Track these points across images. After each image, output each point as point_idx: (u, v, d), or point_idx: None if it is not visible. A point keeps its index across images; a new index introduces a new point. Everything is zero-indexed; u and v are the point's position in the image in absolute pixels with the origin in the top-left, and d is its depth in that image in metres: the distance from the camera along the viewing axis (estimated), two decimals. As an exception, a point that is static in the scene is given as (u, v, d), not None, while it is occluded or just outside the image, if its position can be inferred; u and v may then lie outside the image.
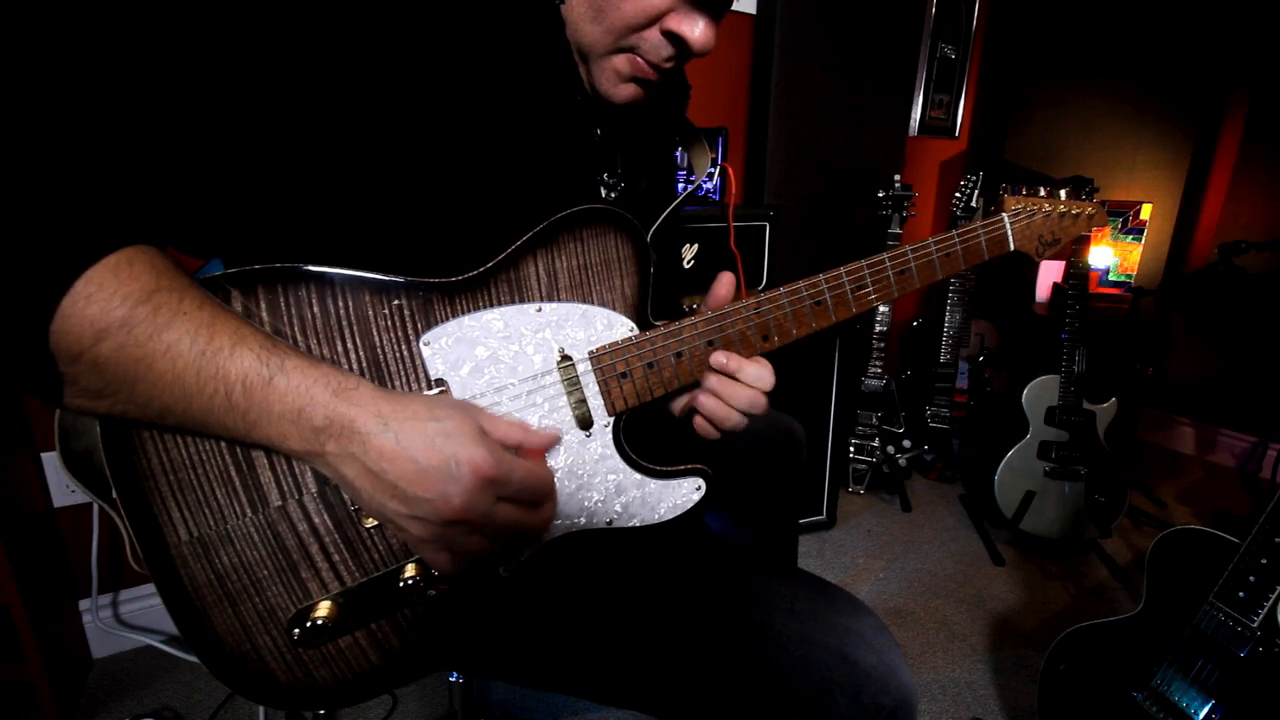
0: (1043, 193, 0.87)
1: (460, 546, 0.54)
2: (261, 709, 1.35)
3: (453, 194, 0.62)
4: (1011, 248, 0.83)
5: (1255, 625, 1.00)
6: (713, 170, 1.87)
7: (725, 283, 0.71)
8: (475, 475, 0.50)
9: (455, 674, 1.04)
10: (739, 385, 0.68)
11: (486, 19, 0.62)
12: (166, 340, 0.45)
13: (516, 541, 0.60)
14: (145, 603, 1.63)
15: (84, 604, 1.55)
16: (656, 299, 0.72)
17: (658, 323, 0.68)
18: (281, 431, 0.49)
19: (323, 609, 0.56)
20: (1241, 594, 1.02)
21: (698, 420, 0.71)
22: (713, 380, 0.68)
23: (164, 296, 0.46)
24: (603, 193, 0.76)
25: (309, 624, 0.55)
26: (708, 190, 1.89)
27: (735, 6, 2.05)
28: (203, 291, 0.49)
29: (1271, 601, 0.99)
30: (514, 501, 0.54)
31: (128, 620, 1.62)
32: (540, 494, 0.56)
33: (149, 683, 1.51)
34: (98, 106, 0.47)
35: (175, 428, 0.51)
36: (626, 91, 0.68)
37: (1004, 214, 0.83)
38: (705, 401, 0.69)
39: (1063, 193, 0.88)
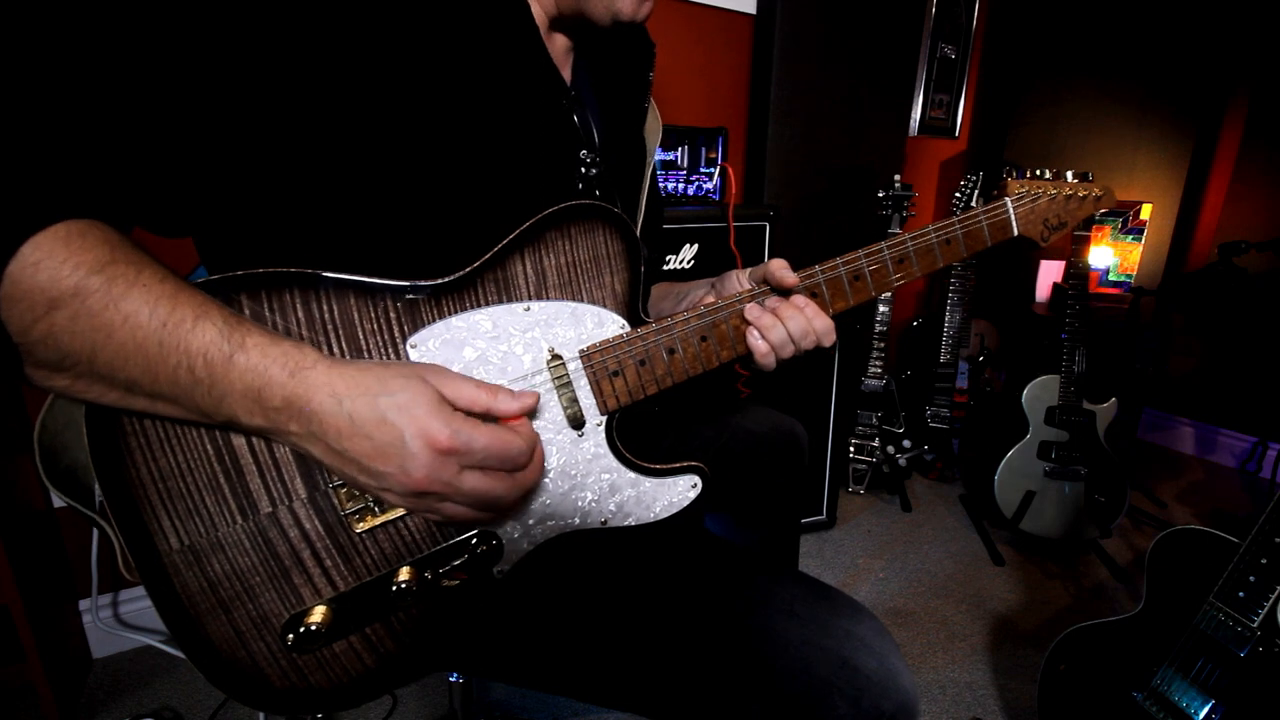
0: (1048, 175, 0.85)
1: (441, 512, 0.54)
2: (261, 712, 1.35)
3: (434, 189, 0.61)
4: (1015, 233, 0.81)
5: (1255, 625, 1.00)
6: (711, 170, 1.87)
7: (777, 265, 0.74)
8: (430, 448, 0.49)
9: (455, 674, 1.04)
10: (799, 313, 0.70)
11: (450, 7, 0.61)
12: (124, 310, 0.45)
13: (500, 508, 0.57)
14: (145, 603, 1.63)
15: (84, 604, 1.55)
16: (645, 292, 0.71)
17: (649, 319, 0.68)
18: (246, 409, 0.49)
19: (316, 614, 0.56)
20: (1241, 594, 1.02)
21: (750, 330, 0.72)
22: (772, 300, 0.71)
23: (120, 269, 0.46)
24: (582, 171, 0.75)
25: (303, 629, 0.55)
26: (707, 190, 1.88)
27: (735, 6, 2.05)
28: (164, 268, 0.49)
29: (1271, 601, 0.99)
30: (483, 469, 0.53)
31: (128, 620, 1.62)
32: (510, 461, 0.54)
33: (149, 683, 1.51)
34: (69, 84, 0.47)
35: (147, 410, 0.50)
36: (647, 8, 0.70)
37: (1007, 198, 0.81)
38: (759, 315, 0.71)
39: (1069, 174, 0.86)
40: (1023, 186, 0.82)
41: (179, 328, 0.46)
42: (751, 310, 0.71)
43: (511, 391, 0.57)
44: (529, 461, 0.57)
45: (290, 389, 0.48)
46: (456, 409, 0.53)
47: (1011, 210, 0.81)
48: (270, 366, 0.48)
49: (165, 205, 0.56)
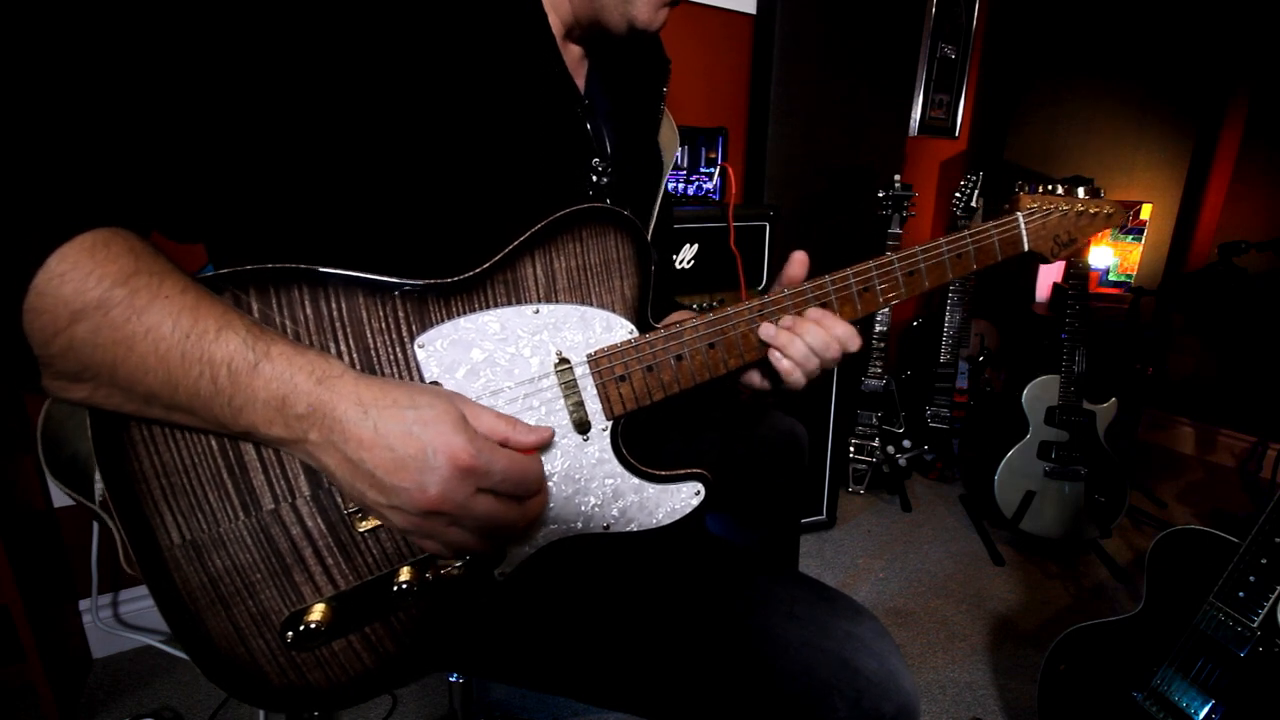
0: (1060, 191, 0.84)
1: (443, 538, 0.53)
2: (262, 711, 1.35)
3: (442, 189, 0.61)
4: (1026, 248, 0.81)
5: (1255, 625, 1.00)
6: (711, 170, 1.87)
7: (798, 262, 0.73)
8: (452, 465, 0.49)
9: (455, 674, 1.04)
10: (815, 325, 0.69)
11: (466, 10, 0.61)
12: (146, 323, 0.45)
13: (502, 536, 0.58)
14: (145, 603, 1.64)
15: (84, 604, 1.55)
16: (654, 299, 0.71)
17: (658, 325, 0.68)
18: (266, 418, 0.49)
19: (316, 612, 0.56)
20: (1241, 594, 1.02)
21: (771, 351, 0.70)
22: (787, 319, 0.69)
23: (143, 280, 0.45)
24: (593, 179, 0.75)
25: (302, 627, 0.55)
26: (707, 190, 1.88)
27: (735, 6, 2.05)
28: (186, 277, 0.48)
29: (1271, 601, 0.99)
30: (496, 493, 0.53)
31: (128, 620, 1.62)
32: (525, 487, 0.55)
33: (149, 683, 1.51)
34: (87, 91, 0.47)
35: (162, 419, 0.50)
36: (662, 16, 0.71)
37: (1019, 213, 0.80)
38: (775, 334, 0.69)
39: (1080, 191, 0.85)
40: (1034, 201, 0.81)
41: (202, 338, 0.46)
42: (766, 330, 0.69)
43: (528, 425, 0.57)
44: (540, 489, 0.57)
45: (316, 396, 0.48)
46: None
47: (1023, 225, 0.80)
48: (296, 374, 0.48)
49: (183, 210, 0.56)
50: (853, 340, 0.71)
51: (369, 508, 0.53)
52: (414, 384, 0.53)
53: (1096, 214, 0.84)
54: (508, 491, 0.54)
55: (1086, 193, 0.85)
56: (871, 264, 0.73)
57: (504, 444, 0.56)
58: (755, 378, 0.77)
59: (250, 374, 0.47)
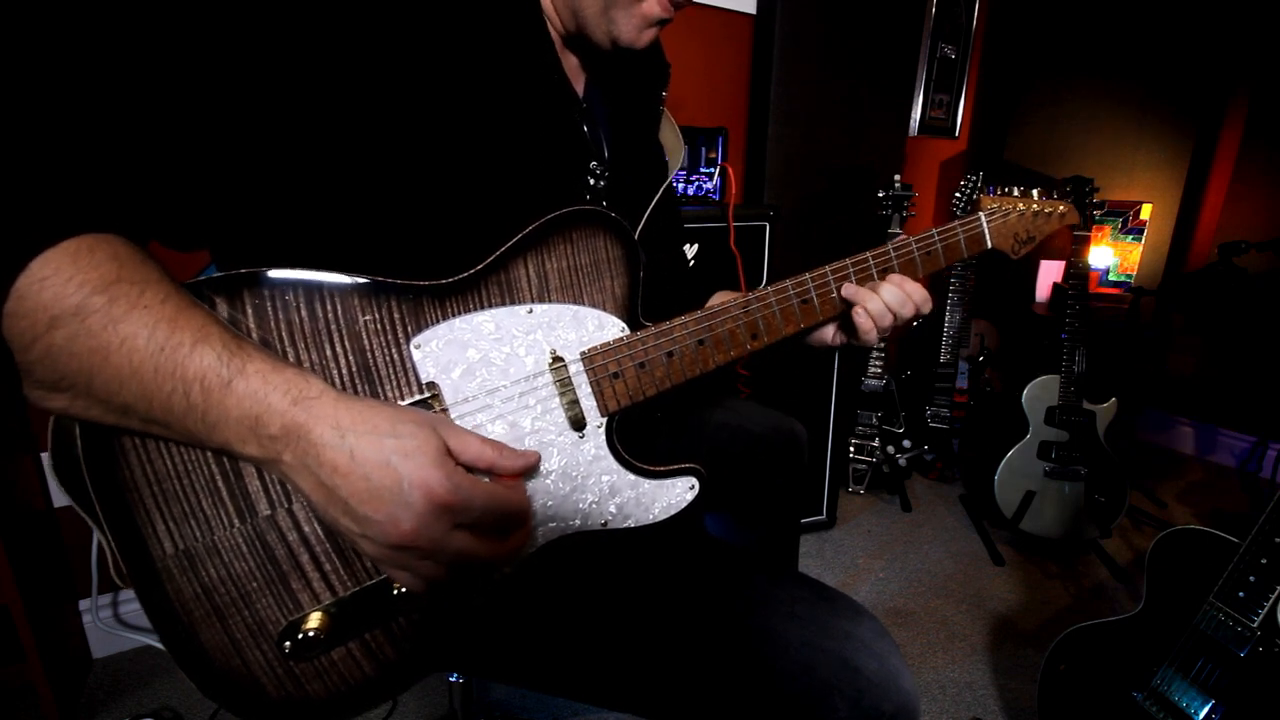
0: (1016, 193, 0.90)
1: (415, 571, 0.51)
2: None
3: (441, 193, 0.62)
4: (989, 245, 0.86)
5: (1255, 625, 1.00)
6: (711, 170, 1.87)
7: None
8: (428, 500, 0.47)
9: (455, 674, 1.04)
10: (892, 286, 0.77)
11: (466, 16, 0.62)
12: (122, 333, 0.44)
13: (477, 574, 0.56)
14: (145, 603, 1.63)
15: (84, 604, 1.55)
16: (654, 298, 0.72)
17: (648, 324, 0.69)
18: (240, 436, 0.47)
19: (314, 620, 0.55)
20: (1241, 594, 1.02)
21: (855, 310, 0.77)
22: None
23: (123, 288, 0.44)
24: (591, 182, 0.76)
25: (300, 636, 0.54)
26: (707, 190, 1.88)
27: (735, 6, 2.05)
28: (170, 286, 0.47)
29: (1271, 601, 0.99)
30: (475, 529, 0.51)
31: (128, 620, 1.62)
32: (506, 522, 0.54)
33: (149, 683, 1.51)
34: (82, 94, 0.47)
35: (143, 432, 0.49)
36: (648, 36, 0.71)
37: (980, 213, 0.86)
38: (860, 293, 0.76)
39: (1035, 192, 0.91)
40: (995, 202, 0.88)
41: (176, 352, 0.45)
42: (848, 288, 0.77)
43: (515, 450, 0.56)
44: (523, 524, 0.56)
45: (290, 416, 0.47)
46: (460, 462, 0.52)
47: (985, 224, 0.85)
48: (271, 393, 0.47)
49: (180, 215, 0.56)
50: (926, 303, 0.79)
51: (340, 533, 0.51)
52: (399, 408, 0.51)
53: (1051, 213, 0.90)
54: (488, 527, 0.52)
55: (1041, 194, 0.91)
56: (848, 261, 0.77)
57: (490, 469, 0.54)
58: (829, 334, 0.84)
59: (223, 391, 0.46)
